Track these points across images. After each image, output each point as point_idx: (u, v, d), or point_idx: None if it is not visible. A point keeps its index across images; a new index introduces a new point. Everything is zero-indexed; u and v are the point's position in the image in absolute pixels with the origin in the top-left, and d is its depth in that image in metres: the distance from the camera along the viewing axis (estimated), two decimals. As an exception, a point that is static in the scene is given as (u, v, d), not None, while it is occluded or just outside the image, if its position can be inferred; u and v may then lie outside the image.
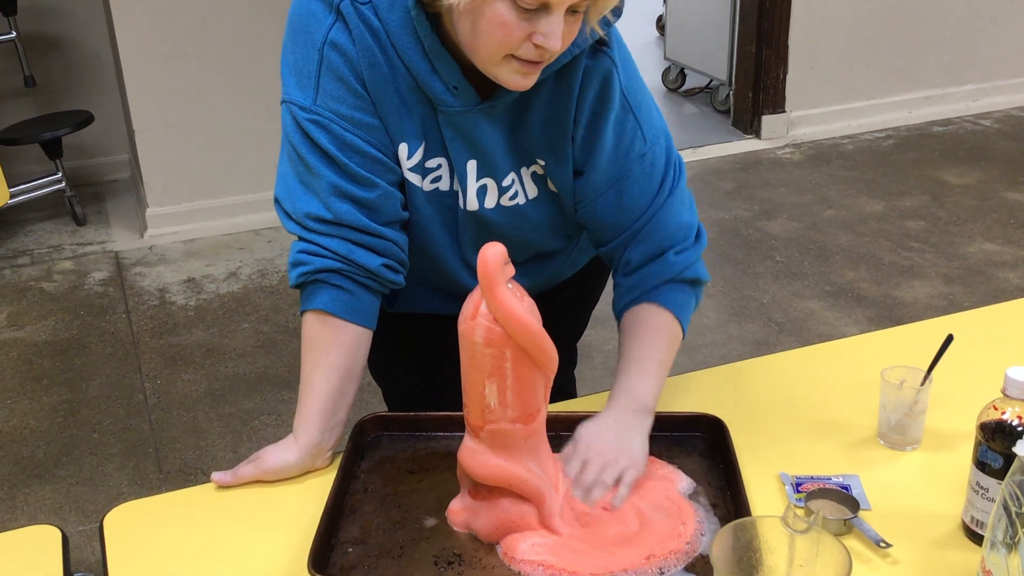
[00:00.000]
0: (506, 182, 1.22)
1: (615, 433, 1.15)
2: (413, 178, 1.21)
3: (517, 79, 1.08)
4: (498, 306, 0.97)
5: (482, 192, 1.22)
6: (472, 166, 1.20)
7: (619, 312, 1.26)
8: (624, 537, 1.05)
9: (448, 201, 1.24)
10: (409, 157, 1.20)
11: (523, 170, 1.23)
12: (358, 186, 1.18)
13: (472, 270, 1.24)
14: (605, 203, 1.23)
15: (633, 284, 1.24)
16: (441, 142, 1.19)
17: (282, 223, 1.23)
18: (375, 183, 1.18)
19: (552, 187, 1.25)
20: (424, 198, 1.23)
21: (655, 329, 1.23)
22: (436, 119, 1.17)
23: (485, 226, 1.25)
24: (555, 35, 1.02)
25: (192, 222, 3.84)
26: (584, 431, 1.17)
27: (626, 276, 1.25)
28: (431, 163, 1.21)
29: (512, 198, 1.24)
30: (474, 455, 1.06)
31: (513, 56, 1.05)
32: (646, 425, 1.17)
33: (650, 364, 1.21)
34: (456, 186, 1.23)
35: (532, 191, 1.24)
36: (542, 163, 1.22)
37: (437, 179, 1.22)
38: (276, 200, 1.23)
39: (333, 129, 1.16)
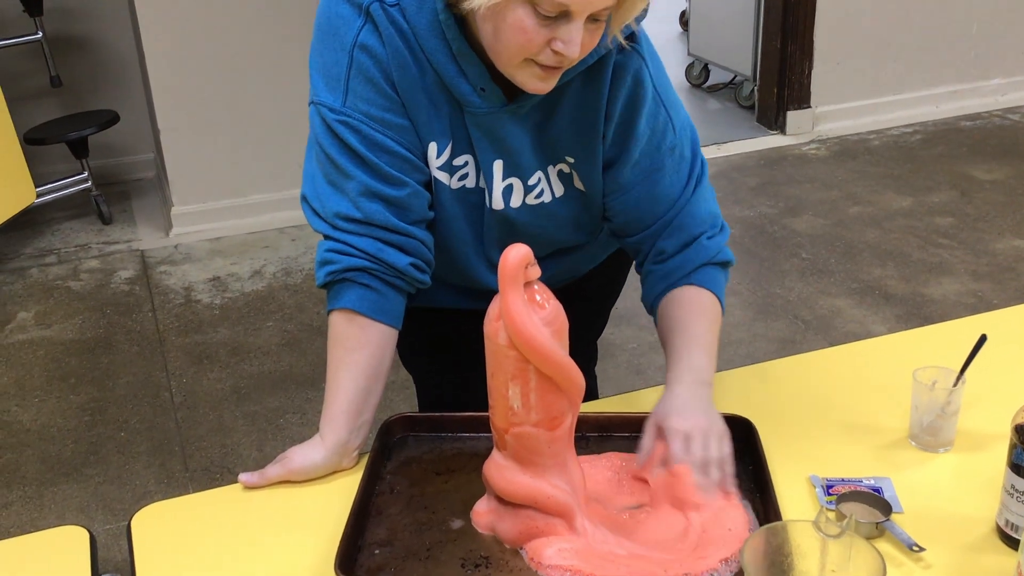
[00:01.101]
0: (532, 181, 1.22)
1: (699, 405, 1.15)
2: (441, 176, 1.22)
3: (536, 83, 1.08)
4: (508, 317, 0.97)
5: (508, 192, 1.22)
6: (498, 166, 1.20)
7: (656, 297, 1.27)
8: (661, 542, 1.04)
9: (474, 199, 1.24)
10: (438, 156, 1.20)
11: (550, 169, 1.23)
12: (388, 185, 1.18)
13: (495, 269, 1.23)
14: (638, 195, 1.24)
15: (670, 270, 1.25)
16: (468, 140, 1.19)
17: (309, 221, 1.23)
18: (405, 182, 1.18)
19: (579, 184, 1.25)
20: (451, 196, 1.23)
21: (703, 308, 1.24)
22: (463, 118, 1.18)
23: (510, 225, 1.26)
24: (574, 42, 1.02)
25: (217, 221, 3.86)
26: (667, 410, 1.14)
27: (659, 264, 1.26)
28: (458, 161, 1.21)
29: (538, 196, 1.24)
30: (501, 471, 1.05)
31: (533, 60, 1.05)
32: (711, 397, 1.19)
33: (704, 340, 1.22)
34: (482, 183, 1.23)
35: (559, 189, 1.25)
36: (570, 160, 1.22)
37: (464, 176, 1.22)
38: (304, 198, 1.23)
39: (363, 130, 1.16)
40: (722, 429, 1.13)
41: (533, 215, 1.25)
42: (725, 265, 1.28)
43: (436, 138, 1.19)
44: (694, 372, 1.19)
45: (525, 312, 0.96)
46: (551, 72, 1.07)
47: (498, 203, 1.23)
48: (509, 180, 1.22)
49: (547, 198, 1.24)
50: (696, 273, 1.25)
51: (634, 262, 1.34)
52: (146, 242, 3.84)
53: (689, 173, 1.25)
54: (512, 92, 1.15)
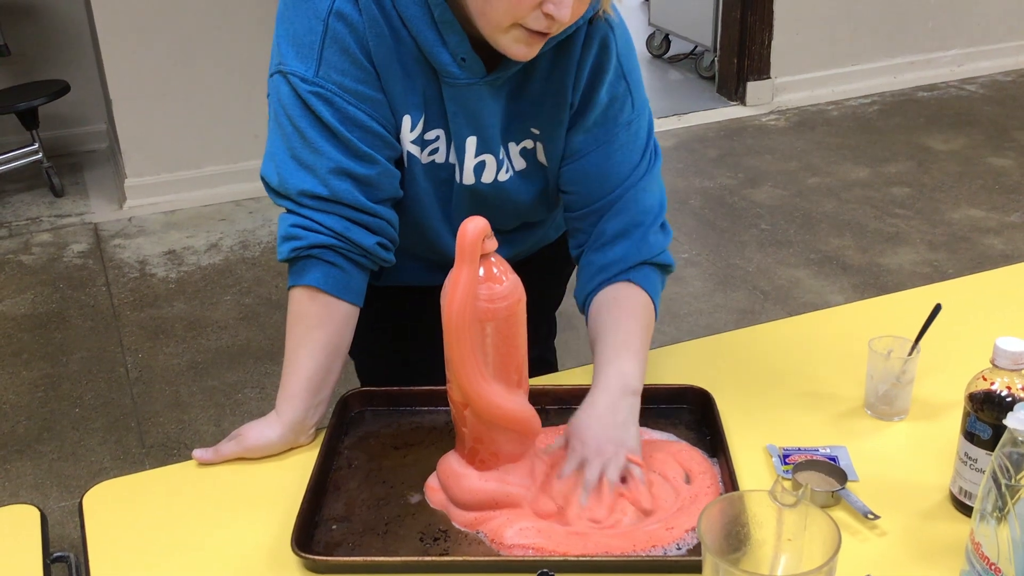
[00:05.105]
0: (500, 156, 1.21)
1: (611, 423, 1.10)
2: (413, 150, 1.20)
3: (521, 49, 1.06)
4: (461, 375, 0.99)
5: (480, 168, 1.21)
6: (472, 143, 1.19)
7: (591, 291, 1.23)
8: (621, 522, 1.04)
9: (444, 174, 1.23)
10: (411, 129, 1.18)
11: (511, 145, 1.22)
12: (359, 163, 1.15)
13: None
14: (589, 165, 1.22)
15: (609, 263, 1.22)
16: (441, 113, 1.17)
17: (270, 197, 1.20)
18: (376, 160, 1.16)
19: (542, 159, 1.24)
20: (422, 171, 1.22)
21: (637, 310, 1.21)
22: (438, 90, 1.16)
23: (479, 199, 1.24)
24: (565, 4, 1.01)
25: (172, 193, 3.80)
26: (580, 425, 1.11)
27: (599, 252, 1.23)
28: (430, 135, 1.19)
29: (506, 171, 1.23)
30: (459, 482, 1.05)
31: (521, 25, 1.03)
32: (637, 408, 1.13)
33: (636, 345, 1.17)
34: (452, 159, 1.21)
35: (519, 164, 1.24)
36: (536, 132, 1.21)
37: (434, 151, 1.21)
38: (264, 173, 1.19)
39: (336, 102, 1.13)
40: (632, 447, 1.09)
41: (498, 190, 1.24)
42: (665, 269, 1.25)
43: (409, 111, 1.17)
44: (622, 381, 1.14)
45: (478, 374, 0.99)
46: (537, 38, 1.05)
47: (468, 178, 1.21)
48: (482, 157, 1.20)
49: (510, 173, 1.23)
50: (635, 271, 1.21)
51: (570, 250, 1.29)
52: (99, 215, 3.78)
53: (642, 154, 1.23)
54: (491, 64, 1.13)
